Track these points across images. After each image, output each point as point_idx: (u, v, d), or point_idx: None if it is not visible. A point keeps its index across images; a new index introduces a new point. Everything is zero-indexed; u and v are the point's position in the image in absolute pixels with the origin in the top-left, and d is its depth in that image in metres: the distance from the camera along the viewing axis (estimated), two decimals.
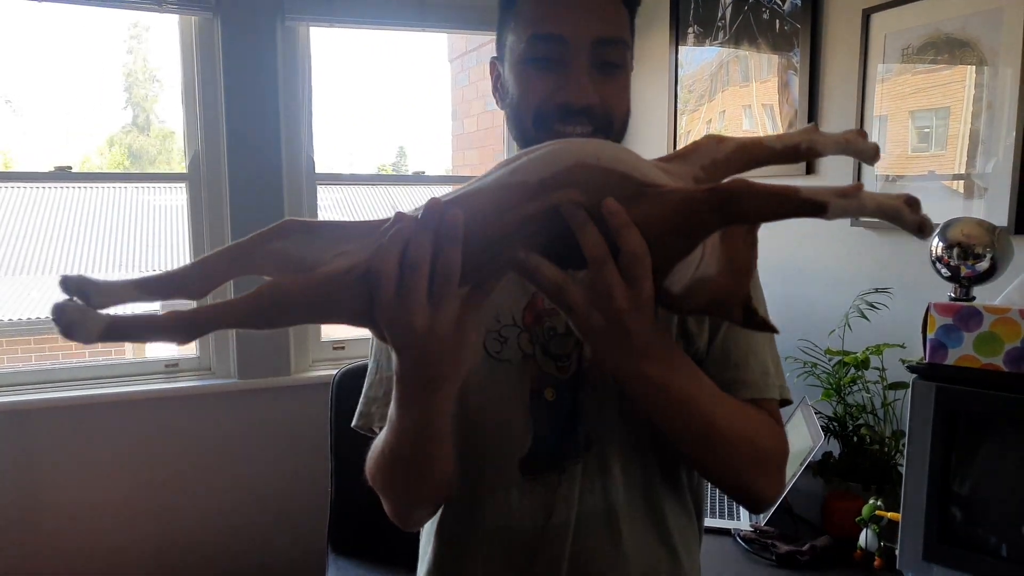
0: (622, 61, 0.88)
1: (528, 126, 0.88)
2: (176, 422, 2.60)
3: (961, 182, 1.69)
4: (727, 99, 2.45)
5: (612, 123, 0.88)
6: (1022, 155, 1.54)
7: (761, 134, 2.06)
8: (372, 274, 0.63)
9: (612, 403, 0.90)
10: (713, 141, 0.69)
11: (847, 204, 0.59)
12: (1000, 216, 1.58)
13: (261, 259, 0.66)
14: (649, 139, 2.83)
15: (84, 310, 0.60)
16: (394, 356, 0.70)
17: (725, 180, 0.64)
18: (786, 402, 0.95)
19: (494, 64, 0.95)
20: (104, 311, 0.61)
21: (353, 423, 0.98)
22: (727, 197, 0.61)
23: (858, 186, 0.60)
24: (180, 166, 2.61)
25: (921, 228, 0.59)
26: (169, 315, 0.62)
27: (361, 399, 0.98)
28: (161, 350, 2.72)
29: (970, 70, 1.65)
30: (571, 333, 0.90)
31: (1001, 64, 1.59)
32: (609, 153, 0.66)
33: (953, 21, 1.69)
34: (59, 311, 0.59)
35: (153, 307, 0.78)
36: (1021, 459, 1.17)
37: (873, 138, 1.88)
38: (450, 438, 0.80)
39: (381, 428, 0.91)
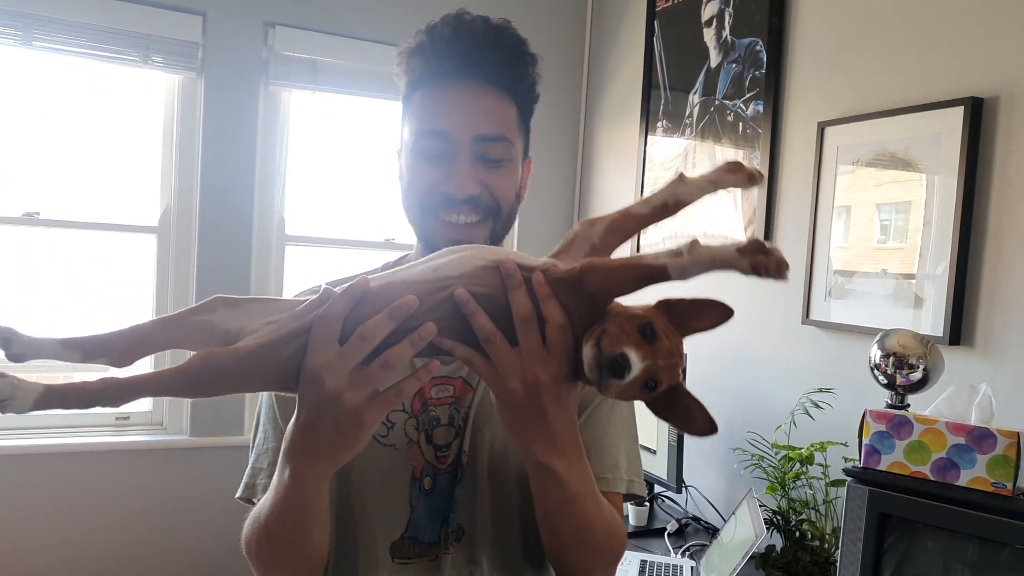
0: (505, 156, 0.93)
1: (417, 212, 0.94)
2: (124, 477, 2.54)
3: (911, 282, 1.77)
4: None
5: (500, 210, 0.94)
6: (957, 271, 1.64)
7: (723, 219, 2.14)
8: (316, 328, 0.68)
9: (485, 497, 0.93)
10: (586, 226, 0.74)
11: (683, 262, 0.63)
12: (937, 326, 1.67)
13: (189, 331, 0.70)
14: None
15: (15, 384, 0.62)
16: (294, 419, 0.73)
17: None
18: (633, 496, 0.99)
19: (397, 154, 1.01)
20: (37, 381, 0.63)
21: (237, 494, 0.98)
22: (578, 275, 0.68)
23: (693, 242, 0.63)
24: (148, 212, 2.62)
25: (755, 269, 0.61)
26: (102, 380, 0.65)
27: (247, 470, 0.98)
28: None
29: (923, 176, 1.77)
30: (452, 423, 0.94)
31: (939, 185, 1.71)
32: (508, 256, 0.72)
33: (898, 141, 1.82)
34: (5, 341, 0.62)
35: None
36: (946, 562, 1.22)
37: (836, 230, 1.98)
38: (326, 516, 0.82)
39: None
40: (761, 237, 2.25)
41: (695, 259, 0.63)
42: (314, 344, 0.68)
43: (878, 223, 1.90)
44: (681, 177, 0.70)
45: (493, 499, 0.93)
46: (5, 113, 2.47)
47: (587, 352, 0.66)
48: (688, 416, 0.71)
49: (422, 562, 0.92)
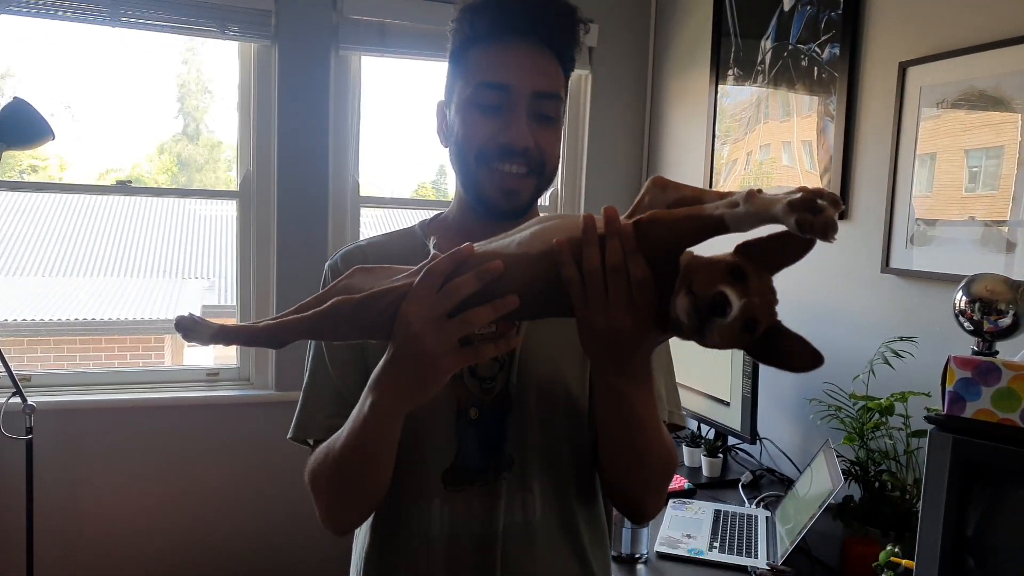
0: (556, 114, 0.98)
1: (470, 162, 0.98)
2: (215, 429, 2.71)
3: (1003, 229, 1.69)
4: (768, 132, 2.50)
5: (544, 166, 0.99)
6: None
7: (799, 170, 2.07)
8: (420, 280, 0.76)
9: (534, 425, 0.98)
10: (657, 189, 0.73)
11: (739, 213, 0.62)
12: None
13: (336, 294, 0.81)
14: (687, 168, 2.89)
15: (196, 320, 0.78)
16: (384, 356, 0.80)
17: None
18: (675, 427, 1.04)
19: (440, 107, 1.04)
20: (213, 321, 0.78)
21: (290, 434, 1.02)
22: (644, 227, 0.69)
23: (750, 192, 0.62)
24: (227, 176, 2.74)
25: (800, 226, 0.58)
26: (261, 327, 0.80)
27: (299, 410, 1.03)
28: (203, 359, 2.83)
29: (1017, 116, 1.67)
30: (496, 357, 0.97)
31: None
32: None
33: (987, 79, 1.72)
34: (179, 321, 0.77)
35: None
36: None
37: (920, 179, 1.91)
38: (394, 452, 0.88)
39: (319, 440, 0.97)
40: (838, 184, 2.19)
41: (750, 210, 0.62)
42: (414, 293, 0.76)
43: (967, 171, 1.81)
44: (750, 194, 0.64)
45: (542, 429, 0.98)
46: (97, 88, 2.60)
47: (681, 301, 0.65)
48: (790, 353, 0.68)
49: (473, 488, 0.97)
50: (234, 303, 2.81)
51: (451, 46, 1.01)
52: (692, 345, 0.74)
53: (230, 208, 2.74)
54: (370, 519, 1.03)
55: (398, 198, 2.95)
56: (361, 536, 1.06)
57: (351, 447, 0.86)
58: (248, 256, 2.74)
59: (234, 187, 2.71)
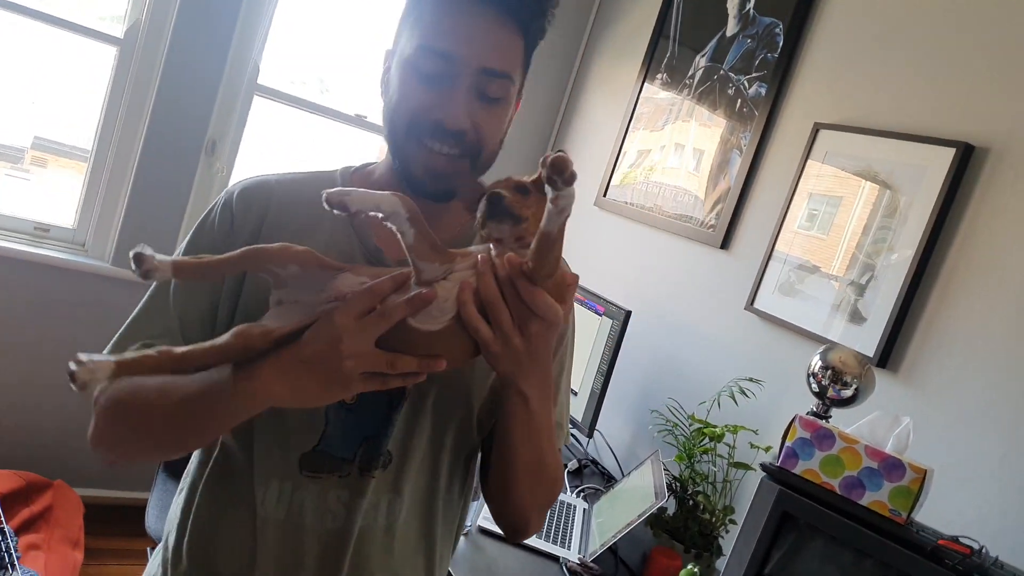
0: (504, 95, 0.89)
1: (400, 132, 0.89)
2: (34, 291, 2.43)
3: (860, 298, 1.84)
4: (676, 131, 2.58)
5: (481, 151, 0.90)
6: (904, 300, 1.72)
7: (683, 171, 2.11)
8: (359, 295, 0.75)
9: (424, 430, 0.93)
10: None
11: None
12: (870, 346, 1.77)
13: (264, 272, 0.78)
14: (595, 149, 2.92)
15: (92, 368, 0.70)
16: (293, 347, 0.74)
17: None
18: None
19: (387, 55, 0.94)
20: (108, 360, 0.71)
21: (106, 351, 0.90)
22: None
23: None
24: (114, 23, 2.42)
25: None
26: (162, 355, 0.73)
27: (123, 329, 0.93)
28: (34, 212, 2.52)
29: (881, 192, 1.84)
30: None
31: (911, 214, 1.77)
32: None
33: (885, 163, 1.86)
34: (137, 258, 0.72)
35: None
36: (825, 566, 1.33)
37: (800, 216, 2.06)
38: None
39: None
40: (729, 215, 2.29)
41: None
42: (351, 306, 0.74)
43: (806, 210, 2.00)
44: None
45: (432, 432, 0.94)
46: None
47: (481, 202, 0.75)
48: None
49: (332, 478, 0.90)
50: (88, 148, 2.51)
51: None
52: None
53: (108, 52, 2.43)
54: (206, 475, 0.94)
55: (297, 97, 2.75)
56: (189, 486, 0.96)
57: (190, 412, 0.78)
58: (115, 111, 2.46)
59: (118, 33, 2.41)
